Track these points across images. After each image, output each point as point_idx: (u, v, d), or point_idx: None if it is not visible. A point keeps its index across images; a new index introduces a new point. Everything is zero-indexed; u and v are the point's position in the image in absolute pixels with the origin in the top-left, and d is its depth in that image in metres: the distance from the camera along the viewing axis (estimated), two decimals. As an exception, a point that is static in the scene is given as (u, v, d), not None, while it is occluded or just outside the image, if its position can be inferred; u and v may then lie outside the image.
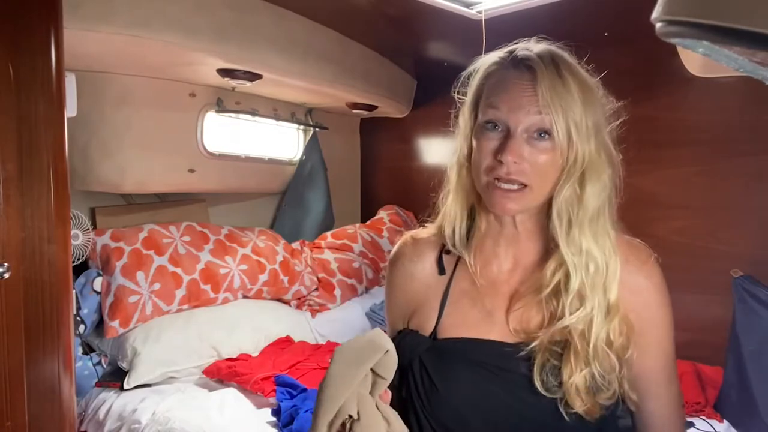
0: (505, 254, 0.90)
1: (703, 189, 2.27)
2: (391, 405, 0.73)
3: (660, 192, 2.32)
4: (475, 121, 0.85)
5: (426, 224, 0.99)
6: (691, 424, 1.81)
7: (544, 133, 0.79)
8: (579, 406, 0.78)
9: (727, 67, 0.40)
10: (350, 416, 0.67)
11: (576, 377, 0.77)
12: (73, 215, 2.20)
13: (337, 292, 2.91)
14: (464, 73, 0.89)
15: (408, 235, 1.00)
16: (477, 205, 0.90)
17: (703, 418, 1.87)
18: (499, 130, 0.81)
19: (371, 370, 0.69)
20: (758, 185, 2.16)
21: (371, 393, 0.69)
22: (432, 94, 3.21)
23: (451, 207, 0.91)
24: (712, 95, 2.21)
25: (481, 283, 0.89)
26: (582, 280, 0.80)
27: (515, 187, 0.80)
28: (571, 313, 0.80)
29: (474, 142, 0.84)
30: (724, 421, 1.89)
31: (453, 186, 0.90)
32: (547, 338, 0.81)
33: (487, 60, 0.87)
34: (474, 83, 0.87)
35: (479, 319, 0.87)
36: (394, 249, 1.00)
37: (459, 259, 0.92)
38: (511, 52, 0.84)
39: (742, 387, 1.89)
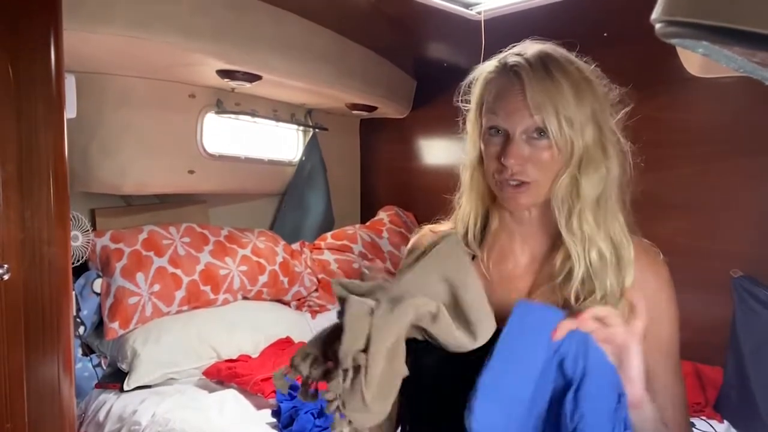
0: (521, 250, 0.93)
1: (703, 189, 2.27)
2: (400, 393, 0.74)
3: (660, 192, 2.31)
4: (481, 126, 0.90)
5: (441, 221, 1.02)
6: (692, 425, 1.81)
7: (541, 131, 0.82)
8: None
9: (726, 68, 0.40)
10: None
11: None
12: (73, 216, 2.20)
13: (337, 292, 2.90)
14: (464, 83, 0.93)
15: (426, 228, 1.03)
16: (491, 204, 0.94)
17: (704, 418, 1.87)
18: (500, 134, 0.85)
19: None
20: (758, 185, 2.16)
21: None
22: (432, 94, 3.20)
23: (464, 207, 0.95)
24: (712, 95, 2.21)
25: (493, 279, 0.91)
26: (586, 268, 0.83)
27: (516, 184, 0.85)
28: (583, 299, 0.83)
29: (482, 147, 0.89)
30: (724, 421, 1.89)
31: (465, 188, 0.95)
32: None
33: (485, 68, 0.91)
34: (476, 90, 0.91)
35: (495, 309, 0.89)
36: (412, 240, 1.03)
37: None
38: (503, 59, 0.88)
39: (742, 387, 1.89)
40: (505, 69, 0.86)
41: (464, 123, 0.95)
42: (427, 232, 1.02)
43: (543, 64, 0.83)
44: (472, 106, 0.91)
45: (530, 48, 0.87)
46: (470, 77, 0.93)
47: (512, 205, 0.87)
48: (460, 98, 0.94)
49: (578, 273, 0.83)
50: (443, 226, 1.01)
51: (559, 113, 0.81)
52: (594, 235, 0.83)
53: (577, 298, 0.84)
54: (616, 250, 0.84)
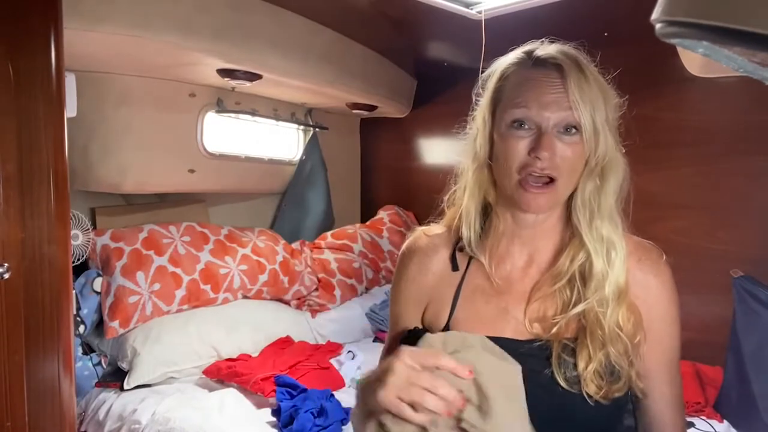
0: (519, 253, 0.91)
1: (703, 189, 2.27)
2: None
3: (660, 192, 2.32)
4: (493, 121, 0.87)
5: (433, 223, 1.00)
6: (691, 424, 1.81)
7: (571, 128, 0.81)
8: (594, 391, 0.80)
9: (727, 68, 0.40)
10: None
11: (593, 360, 0.80)
12: (73, 215, 2.20)
13: (337, 292, 2.90)
14: (483, 76, 0.90)
15: (420, 230, 1.00)
16: (494, 204, 0.91)
17: (703, 418, 1.87)
18: (528, 128, 0.82)
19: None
20: (758, 185, 2.16)
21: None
22: (432, 94, 3.21)
23: (466, 205, 0.92)
24: (712, 95, 2.21)
25: (497, 283, 0.89)
26: (603, 263, 0.84)
27: (544, 182, 0.82)
28: (590, 296, 0.83)
29: (499, 143, 0.85)
30: (724, 421, 1.89)
31: (469, 185, 0.91)
32: (564, 325, 0.83)
33: (504, 61, 0.88)
34: (491, 84, 0.88)
35: (493, 315, 0.88)
36: (407, 243, 1.00)
37: (472, 256, 0.93)
38: (530, 52, 0.85)
39: (742, 387, 1.89)
40: (534, 61, 0.83)
41: (473, 119, 0.91)
42: (420, 234, 0.99)
43: (576, 61, 0.82)
44: (486, 101, 0.88)
45: (552, 45, 0.85)
46: (488, 72, 0.90)
47: (532, 207, 0.83)
48: (475, 93, 0.91)
49: (598, 268, 0.83)
50: (436, 229, 0.99)
51: (594, 111, 0.80)
52: (611, 235, 0.84)
53: (578, 299, 0.84)
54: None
